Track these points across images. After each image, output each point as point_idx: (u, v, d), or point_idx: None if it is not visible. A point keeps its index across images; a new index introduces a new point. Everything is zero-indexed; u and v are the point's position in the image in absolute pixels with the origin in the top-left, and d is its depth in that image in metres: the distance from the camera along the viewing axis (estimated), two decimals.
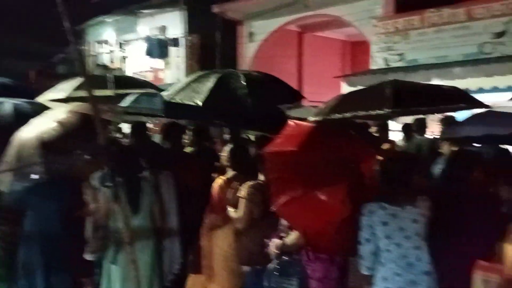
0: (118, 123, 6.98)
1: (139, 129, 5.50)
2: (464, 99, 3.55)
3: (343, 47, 17.06)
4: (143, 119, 6.40)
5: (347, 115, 3.43)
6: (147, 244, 4.02)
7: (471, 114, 4.28)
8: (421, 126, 7.15)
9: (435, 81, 9.67)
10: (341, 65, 16.74)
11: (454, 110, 5.11)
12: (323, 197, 3.29)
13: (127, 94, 6.19)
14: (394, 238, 3.09)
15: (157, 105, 5.44)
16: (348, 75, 13.14)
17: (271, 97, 4.79)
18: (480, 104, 3.62)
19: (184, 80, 5.29)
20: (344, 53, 17.07)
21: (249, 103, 4.36)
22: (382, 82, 3.91)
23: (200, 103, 4.36)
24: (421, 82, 6.96)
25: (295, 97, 5.21)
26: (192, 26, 15.96)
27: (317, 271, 3.50)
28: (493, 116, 3.37)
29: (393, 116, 4.17)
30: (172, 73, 16.72)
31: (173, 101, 4.67)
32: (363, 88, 4.68)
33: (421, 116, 6.78)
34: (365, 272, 3.21)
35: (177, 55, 16.63)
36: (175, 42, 16.45)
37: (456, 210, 3.15)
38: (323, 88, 13.48)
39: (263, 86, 4.78)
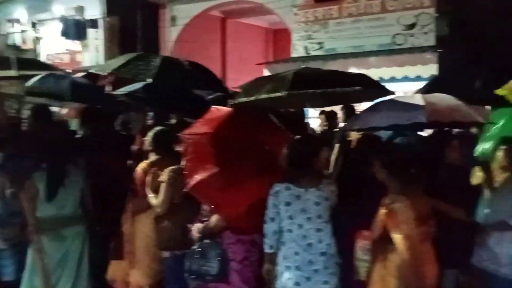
0: (20, 104, 6.55)
1: (40, 112, 5.22)
2: (368, 85, 3.71)
3: (266, 34, 17.24)
4: (55, 103, 6.06)
5: (251, 98, 3.51)
6: (76, 232, 3.97)
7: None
8: (348, 114, 7.28)
9: (352, 70, 10.05)
10: (264, 52, 16.92)
11: (358, 100, 5.27)
12: (239, 178, 3.39)
13: (33, 76, 5.80)
14: (296, 219, 3.23)
15: (64, 87, 5.19)
16: (270, 62, 13.34)
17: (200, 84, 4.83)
18: (385, 91, 3.81)
19: (120, 57, 5.06)
20: (267, 40, 17.25)
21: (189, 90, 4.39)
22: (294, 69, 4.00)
23: (151, 80, 4.32)
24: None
25: (221, 87, 5.26)
26: (112, 7, 15.33)
27: (238, 253, 3.59)
28: (395, 104, 3.55)
29: (298, 101, 4.22)
30: (90, 56, 16.01)
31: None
32: (273, 74, 4.81)
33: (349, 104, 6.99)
34: (268, 250, 3.34)
35: (96, 37, 15.92)
36: (93, 23, 15.73)
37: (357, 192, 3.36)
38: (246, 75, 13.54)
39: (193, 73, 4.78)
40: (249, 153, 3.51)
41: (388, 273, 3.05)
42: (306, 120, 5.91)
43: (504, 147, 3.47)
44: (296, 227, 3.23)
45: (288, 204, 3.24)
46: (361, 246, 3.22)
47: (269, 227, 3.29)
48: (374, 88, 3.80)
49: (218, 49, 15.93)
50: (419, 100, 3.46)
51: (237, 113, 3.69)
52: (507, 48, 8.72)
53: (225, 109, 3.80)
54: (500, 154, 3.48)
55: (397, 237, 2.97)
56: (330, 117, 7.50)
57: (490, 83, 4.52)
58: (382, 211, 3.06)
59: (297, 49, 12.22)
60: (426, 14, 10.48)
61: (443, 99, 3.62)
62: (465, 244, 3.57)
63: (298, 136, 3.74)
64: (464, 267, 3.61)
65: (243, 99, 3.60)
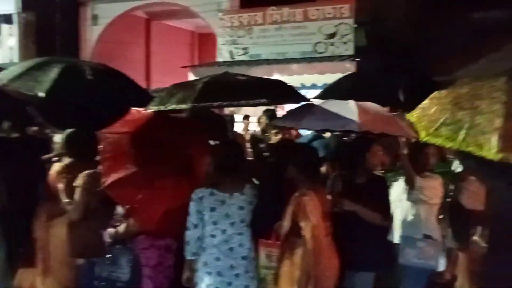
0: None
1: None
2: (281, 94, 3.80)
3: (192, 37, 17.17)
4: None
5: (162, 108, 3.49)
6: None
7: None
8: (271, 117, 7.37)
9: (276, 76, 10.28)
10: (189, 55, 16.84)
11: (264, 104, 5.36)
12: (156, 180, 3.34)
13: None
14: (220, 224, 3.21)
15: None
16: (195, 66, 13.28)
17: (119, 97, 4.56)
18: (300, 99, 3.91)
19: (21, 65, 4.70)
20: (192, 44, 17.19)
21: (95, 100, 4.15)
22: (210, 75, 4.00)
23: (43, 94, 3.99)
24: (261, 76, 7.38)
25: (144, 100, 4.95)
26: (28, 2, 14.55)
27: (152, 259, 3.51)
28: (329, 109, 3.65)
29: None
30: (3, 53, 15.10)
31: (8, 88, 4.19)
32: (190, 80, 4.80)
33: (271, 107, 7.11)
34: (190, 257, 3.27)
35: (10, 33, 15.06)
36: (6, 18, 14.85)
37: (276, 194, 3.41)
38: (171, 78, 13.38)
39: (110, 83, 4.54)
40: (168, 155, 3.47)
41: (294, 267, 3.15)
42: (233, 124, 5.94)
43: None
44: (219, 232, 3.21)
45: (213, 209, 3.21)
46: (266, 254, 3.29)
47: (192, 234, 3.22)
48: (288, 98, 3.90)
49: (142, 51, 15.65)
50: (353, 107, 3.55)
51: (159, 115, 3.63)
52: (419, 58, 9.33)
53: (146, 112, 3.74)
54: None
55: (306, 226, 3.08)
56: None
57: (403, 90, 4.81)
58: (292, 204, 3.17)
59: (222, 54, 12.29)
60: (346, 24, 10.95)
61: (375, 109, 3.76)
62: (381, 247, 3.74)
63: (222, 140, 3.74)
64: (382, 269, 3.78)
65: (155, 108, 3.56)
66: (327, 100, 4.06)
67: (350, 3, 10.90)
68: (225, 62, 11.92)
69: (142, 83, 14.14)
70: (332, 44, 11.12)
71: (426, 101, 3.07)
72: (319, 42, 11.21)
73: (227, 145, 3.58)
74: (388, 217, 3.72)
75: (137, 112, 3.72)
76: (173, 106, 3.41)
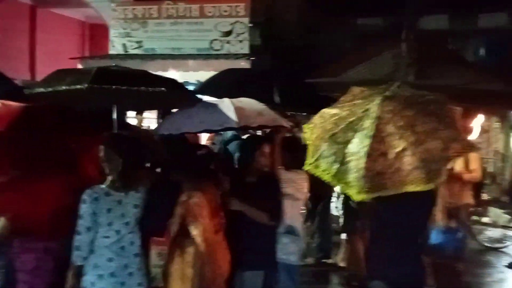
0: None
1: None
2: (174, 88, 3.78)
3: (82, 28, 16.28)
4: None
5: (50, 89, 3.28)
6: None
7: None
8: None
9: (172, 72, 10.16)
10: (79, 46, 15.96)
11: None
12: (37, 181, 3.13)
13: None
14: (115, 225, 3.08)
15: None
16: (85, 57, 12.66)
17: None
18: (192, 97, 3.92)
19: None
20: (83, 34, 16.30)
21: None
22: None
23: None
24: (157, 71, 7.24)
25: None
26: None
27: (28, 263, 3.28)
28: (206, 109, 3.67)
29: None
30: None
31: None
32: (75, 68, 4.59)
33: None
34: (80, 262, 3.08)
35: None
36: None
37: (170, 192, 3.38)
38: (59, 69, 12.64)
39: None
40: (47, 154, 3.24)
41: (186, 265, 3.16)
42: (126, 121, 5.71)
43: None
44: (113, 233, 3.07)
45: (109, 210, 3.05)
46: (157, 252, 3.26)
47: (83, 238, 3.01)
48: (180, 91, 3.87)
49: (26, 39, 14.52)
50: (228, 105, 3.60)
51: (33, 108, 3.37)
52: (309, 59, 9.76)
53: (14, 105, 3.44)
54: None
55: (195, 229, 3.10)
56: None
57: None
58: (180, 206, 3.17)
59: (115, 46, 11.84)
60: (241, 23, 11.09)
61: (250, 103, 3.84)
62: (270, 246, 3.84)
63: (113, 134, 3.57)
64: (270, 268, 3.88)
65: (41, 89, 3.30)
66: (202, 102, 4.07)
67: (245, 2, 11.06)
68: (118, 55, 11.50)
69: (26, 74, 13.18)
70: (228, 42, 11.20)
71: (316, 117, 3.15)
72: (215, 39, 11.24)
73: (121, 140, 3.39)
74: (277, 216, 3.79)
75: (3, 106, 3.42)
76: (65, 87, 3.20)
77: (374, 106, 2.88)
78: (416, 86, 9.41)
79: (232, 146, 5.41)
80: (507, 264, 6.37)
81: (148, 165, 3.92)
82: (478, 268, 6.27)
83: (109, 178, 3.11)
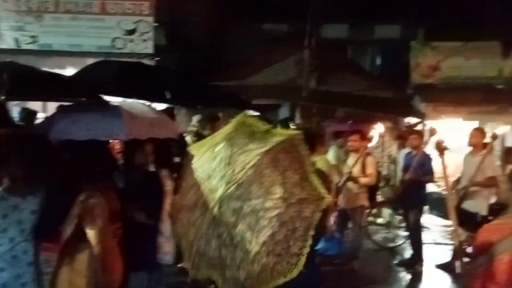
0: None
1: None
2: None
3: None
4: None
5: None
6: None
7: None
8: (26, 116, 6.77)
9: (69, 69, 9.59)
10: None
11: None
12: None
13: None
14: (9, 232, 2.82)
15: None
16: None
17: None
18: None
19: None
20: None
21: None
22: None
23: None
24: (53, 69, 6.80)
25: None
26: None
27: None
28: (92, 114, 3.41)
29: None
30: None
31: None
32: None
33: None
34: None
35: None
36: None
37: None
38: None
39: None
40: None
41: (77, 274, 2.94)
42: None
43: None
44: (7, 241, 2.82)
45: (4, 216, 2.81)
46: (44, 259, 3.02)
47: None
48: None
49: None
50: (119, 112, 3.38)
51: None
52: (214, 62, 9.76)
53: None
54: None
55: (91, 231, 2.90)
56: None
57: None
58: (78, 207, 2.95)
59: (6, 40, 10.93)
60: (146, 22, 10.77)
61: (142, 110, 3.67)
62: (151, 247, 3.72)
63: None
64: (151, 268, 3.77)
65: None
66: (88, 103, 3.83)
67: (150, 1, 10.77)
68: (9, 49, 10.64)
69: None
70: (131, 41, 10.82)
71: (197, 145, 3.06)
72: (117, 38, 10.80)
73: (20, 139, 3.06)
74: (156, 216, 3.69)
75: None
76: None
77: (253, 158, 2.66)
78: (318, 92, 9.81)
79: None
80: (398, 262, 6.78)
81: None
82: (372, 267, 6.60)
83: (5, 180, 2.85)
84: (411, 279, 6.27)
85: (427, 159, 6.42)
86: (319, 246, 5.39)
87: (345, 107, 10.35)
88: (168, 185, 3.90)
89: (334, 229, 5.92)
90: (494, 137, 5.24)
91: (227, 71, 9.33)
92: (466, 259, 2.95)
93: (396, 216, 8.60)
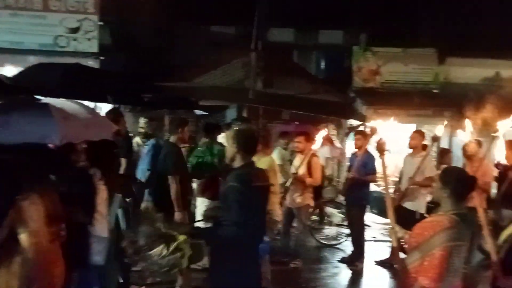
0: None
1: None
2: None
3: None
4: None
5: None
6: None
7: None
8: None
9: (9, 67, 9.28)
10: None
11: None
12: None
13: None
14: None
15: None
16: None
17: None
18: None
19: None
20: None
21: None
22: None
23: None
24: None
25: None
26: None
27: None
28: (25, 116, 3.26)
29: None
30: None
31: None
32: None
33: None
34: None
35: None
36: None
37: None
38: None
39: None
40: None
41: (14, 276, 2.89)
42: None
43: None
44: None
45: None
46: None
47: None
48: None
49: None
50: (52, 113, 3.23)
51: None
52: (161, 63, 9.71)
53: None
54: None
55: (23, 233, 2.86)
56: None
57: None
58: (12, 209, 2.90)
59: None
60: (90, 20, 10.55)
61: (78, 111, 3.57)
62: (80, 245, 3.68)
63: None
64: (81, 268, 3.72)
65: None
66: (21, 102, 3.70)
67: None
68: None
69: None
70: (75, 39, 10.56)
71: None
72: (60, 36, 10.51)
73: None
74: (89, 215, 3.65)
75: None
76: None
77: None
78: (264, 94, 9.96)
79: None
80: (340, 259, 7.02)
81: None
82: (315, 264, 6.81)
83: None
84: (352, 276, 6.53)
85: (370, 159, 6.67)
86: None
87: (290, 109, 10.59)
88: (100, 185, 3.86)
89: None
90: (435, 139, 5.53)
91: (175, 72, 9.31)
92: (403, 255, 3.11)
93: (338, 215, 8.90)
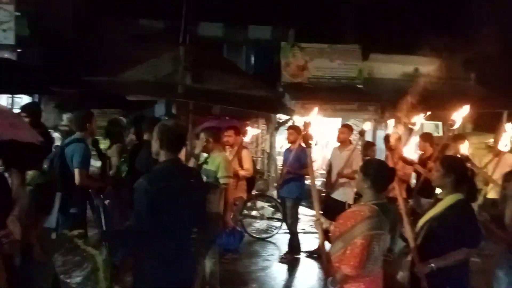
0: None
1: None
2: None
3: None
4: None
5: None
6: None
7: None
8: None
9: None
10: None
11: None
12: None
13: None
14: None
15: None
16: None
17: None
18: None
19: None
20: None
21: None
22: None
23: None
24: None
25: None
26: None
27: None
28: None
29: None
30: None
31: None
32: None
33: None
34: None
35: None
36: None
37: None
38: None
39: None
40: None
41: None
42: None
43: None
44: None
45: None
46: None
47: None
48: None
49: None
50: None
51: None
52: (87, 57, 9.33)
53: None
54: None
55: None
56: None
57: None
58: None
59: None
60: (6, 11, 9.92)
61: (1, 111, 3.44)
62: None
63: None
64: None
65: None
66: None
67: None
68: None
69: None
70: None
71: None
72: None
73: None
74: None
75: None
76: None
77: None
78: (193, 89, 9.89)
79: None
80: (283, 255, 7.08)
81: None
82: (246, 258, 6.85)
83: None
84: (282, 268, 6.62)
85: (304, 153, 6.77)
86: (221, 240, 5.51)
87: (220, 104, 10.58)
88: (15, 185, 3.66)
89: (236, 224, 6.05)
90: (362, 133, 5.72)
91: (100, 66, 8.99)
92: (328, 246, 3.18)
93: (269, 208, 9.02)
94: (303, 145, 6.91)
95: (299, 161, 6.65)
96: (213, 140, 5.20)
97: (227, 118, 11.16)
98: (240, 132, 6.77)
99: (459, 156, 4.51)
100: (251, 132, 5.20)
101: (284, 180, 6.87)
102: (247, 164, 6.64)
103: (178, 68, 9.29)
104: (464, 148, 4.59)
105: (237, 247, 6.26)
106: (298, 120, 10.81)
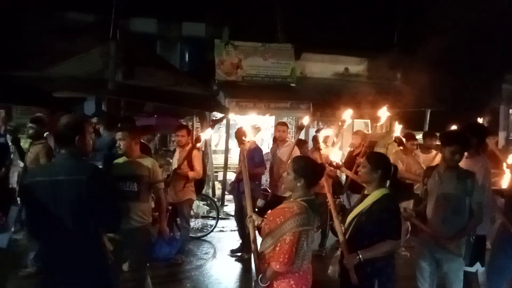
0: None
1: None
2: None
3: None
4: None
5: None
6: None
7: None
8: None
9: None
10: None
11: None
12: None
13: None
14: None
15: None
16: None
17: None
18: None
19: None
20: None
21: None
22: None
23: None
24: None
25: None
26: None
27: None
28: None
29: None
30: None
31: None
32: None
33: None
34: None
35: None
36: None
37: None
38: None
39: None
40: None
41: None
42: None
43: None
44: None
45: None
46: None
47: None
48: None
49: None
50: None
51: None
52: (9, 51, 8.82)
53: None
54: None
55: None
56: None
57: None
58: None
59: None
60: None
61: None
62: None
63: None
64: None
65: None
66: None
67: None
68: None
69: None
70: None
71: None
72: None
73: None
74: None
75: None
76: None
77: None
78: (125, 86, 9.63)
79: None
80: (230, 251, 7.02)
81: None
82: (190, 258, 6.74)
83: None
84: (222, 266, 6.59)
85: (257, 152, 6.77)
86: (160, 252, 5.34)
87: (153, 102, 10.39)
88: None
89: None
90: (301, 127, 5.74)
91: (24, 60, 8.52)
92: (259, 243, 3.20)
93: (204, 206, 8.98)
94: (257, 144, 6.96)
95: (253, 160, 6.58)
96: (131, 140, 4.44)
97: (155, 116, 10.93)
98: (191, 132, 6.67)
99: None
100: (204, 136, 4.97)
101: (238, 180, 6.82)
102: (197, 165, 6.47)
103: (109, 64, 9.01)
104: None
105: (172, 257, 6.14)
106: (233, 118, 10.85)
